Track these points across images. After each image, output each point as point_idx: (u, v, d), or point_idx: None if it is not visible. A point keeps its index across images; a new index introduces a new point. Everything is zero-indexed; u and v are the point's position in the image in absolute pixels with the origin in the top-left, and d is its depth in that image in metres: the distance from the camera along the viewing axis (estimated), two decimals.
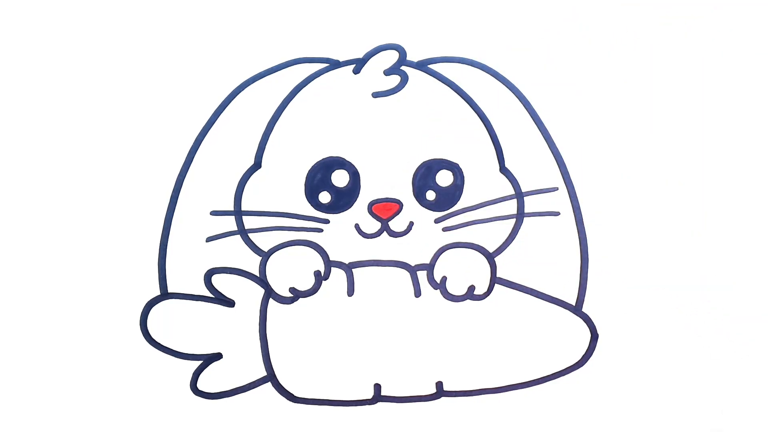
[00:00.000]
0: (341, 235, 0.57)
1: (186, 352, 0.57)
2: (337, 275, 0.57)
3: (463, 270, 0.57)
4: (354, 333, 0.57)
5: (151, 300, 0.57)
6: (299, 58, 0.58)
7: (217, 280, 0.57)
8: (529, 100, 0.58)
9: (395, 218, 0.57)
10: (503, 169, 0.58)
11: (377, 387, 0.57)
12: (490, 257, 0.57)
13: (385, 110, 0.58)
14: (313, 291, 0.57)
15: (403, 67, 0.58)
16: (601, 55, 0.59)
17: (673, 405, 0.58)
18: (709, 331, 0.58)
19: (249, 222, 0.57)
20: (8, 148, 0.59)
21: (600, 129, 0.58)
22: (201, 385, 0.57)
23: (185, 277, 0.57)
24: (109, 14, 0.59)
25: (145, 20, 0.59)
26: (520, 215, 0.57)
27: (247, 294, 0.57)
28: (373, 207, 0.57)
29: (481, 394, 0.57)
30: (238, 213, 0.57)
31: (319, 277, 0.57)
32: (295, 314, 0.57)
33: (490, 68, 0.58)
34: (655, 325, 0.58)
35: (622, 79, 0.58)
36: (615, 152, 0.58)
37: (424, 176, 0.57)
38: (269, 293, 0.57)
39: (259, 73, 0.58)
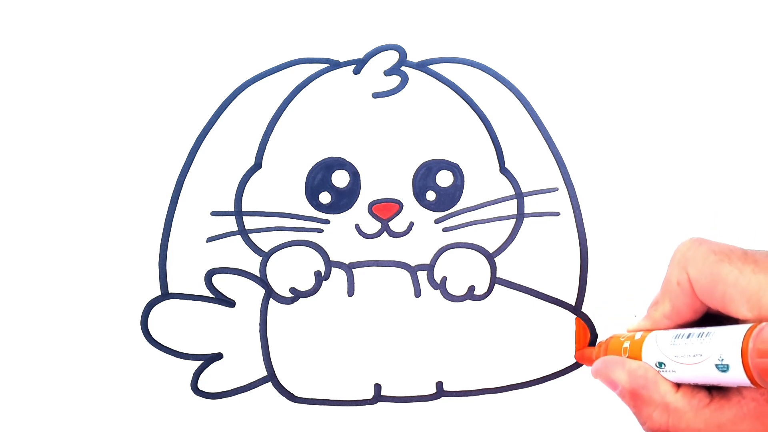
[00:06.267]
0: (341, 235, 0.57)
1: (186, 352, 0.57)
2: (338, 275, 0.57)
3: (463, 270, 0.57)
4: (354, 333, 0.57)
5: (151, 300, 0.57)
6: (299, 59, 0.59)
7: (218, 281, 0.57)
8: (529, 100, 0.58)
9: (395, 218, 0.57)
10: (503, 170, 0.58)
11: (377, 387, 0.57)
12: (490, 257, 0.57)
13: (385, 110, 0.58)
14: (313, 291, 0.57)
15: (403, 68, 0.58)
16: (601, 55, 0.59)
17: None
18: None
19: (249, 222, 0.57)
20: (8, 148, 0.59)
21: (600, 129, 0.58)
22: (201, 385, 0.57)
23: (186, 277, 0.57)
24: (108, 14, 0.59)
25: (145, 21, 0.59)
26: (520, 215, 0.57)
27: (247, 294, 0.57)
28: (373, 207, 0.57)
29: (481, 394, 0.57)
30: (238, 213, 0.57)
31: (320, 278, 0.57)
32: (296, 314, 0.57)
33: (490, 68, 0.58)
34: None
35: (622, 79, 0.58)
36: (615, 152, 0.58)
37: (424, 176, 0.57)
38: (269, 293, 0.57)
39: (259, 74, 0.58)
